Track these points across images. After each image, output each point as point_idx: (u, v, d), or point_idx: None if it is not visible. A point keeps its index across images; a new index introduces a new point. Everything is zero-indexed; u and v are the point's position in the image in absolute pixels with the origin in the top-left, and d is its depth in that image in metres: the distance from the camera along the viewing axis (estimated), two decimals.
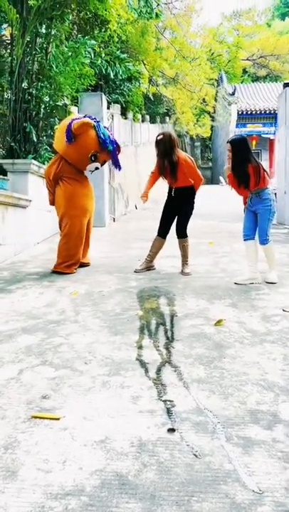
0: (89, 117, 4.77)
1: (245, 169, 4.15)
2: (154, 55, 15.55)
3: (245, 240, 4.42)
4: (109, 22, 8.73)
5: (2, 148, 7.63)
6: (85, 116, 4.79)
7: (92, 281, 4.52)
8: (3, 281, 4.54)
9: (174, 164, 4.57)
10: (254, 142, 24.55)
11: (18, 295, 4.03)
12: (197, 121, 21.68)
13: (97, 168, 4.93)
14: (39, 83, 7.16)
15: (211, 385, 2.32)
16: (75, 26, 9.52)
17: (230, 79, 30.19)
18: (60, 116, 7.54)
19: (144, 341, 2.92)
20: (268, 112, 25.10)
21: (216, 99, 23.69)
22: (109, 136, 4.77)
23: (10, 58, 7.25)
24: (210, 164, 34.31)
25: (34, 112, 7.24)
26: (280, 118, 9.78)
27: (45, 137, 7.56)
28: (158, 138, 4.63)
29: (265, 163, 22.66)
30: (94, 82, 8.53)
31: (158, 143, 4.60)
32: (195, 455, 1.75)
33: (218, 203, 13.30)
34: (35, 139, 7.07)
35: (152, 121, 19.27)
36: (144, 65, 15.54)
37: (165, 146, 4.57)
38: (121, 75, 10.96)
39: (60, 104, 7.68)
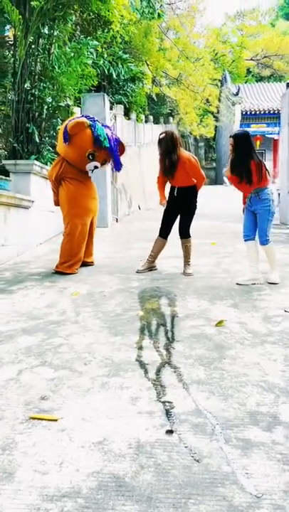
0: (85, 117, 4.83)
1: (247, 164, 4.11)
2: (157, 56, 15.55)
3: (245, 240, 4.40)
4: (112, 23, 8.72)
5: (5, 149, 7.63)
6: (82, 116, 4.84)
7: (93, 281, 4.52)
8: (5, 281, 4.54)
9: (173, 163, 4.56)
10: (258, 142, 24.52)
11: (19, 296, 4.03)
12: (201, 121, 21.64)
13: (96, 167, 4.94)
14: (42, 84, 7.16)
15: (211, 386, 2.30)
16: (77, 27, 9.52)
17: (234, 79, 30.15)
18: (62, 117, 7.54)
19: (144, 342, 2.91)
20: (272, 112, 25.05)
21: (219, 100, 23.64)
22: (106, 135, 4.76)
23: (13, 59, 7.26)
24: (214, 165, 34.25)
25: (37, 113, 7.24)
26: (283, 118, 9.74)
27: (47, 138, 7.56)
28: (160, 136, 4.64)
29: (269, 164, 22.59)
30: (96, 82, 8.52)
31: (160, 141, 4.61)
32: (194, 458, 1.73)
33: (222, 204, 13.29)
34: (37, 140, 7.07)
35: (156, 121, 19.27)
36: (148, 65, 15.54)
37: (167, 145, 4.57)
38: (123, 76, 10.96)
39: (63, 105, 7.68)
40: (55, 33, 7.46)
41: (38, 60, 7.33)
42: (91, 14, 8.65)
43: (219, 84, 25.12)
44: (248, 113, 25.51)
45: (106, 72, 10.23)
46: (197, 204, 4.91)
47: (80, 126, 4.65)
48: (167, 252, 5.08)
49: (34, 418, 2.02)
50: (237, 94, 25.81)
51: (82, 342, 2.92)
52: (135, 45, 13.62)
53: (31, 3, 6.48)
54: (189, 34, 19.39)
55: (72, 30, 8.55)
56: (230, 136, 4.28)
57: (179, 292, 4.05)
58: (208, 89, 19.28)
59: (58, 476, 1.64)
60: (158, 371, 2.48)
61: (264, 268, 4.50)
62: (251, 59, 31.69)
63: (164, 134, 4.65)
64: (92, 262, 5.28)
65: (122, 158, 5.15)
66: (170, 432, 1.90)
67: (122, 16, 9.06)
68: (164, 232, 4.90)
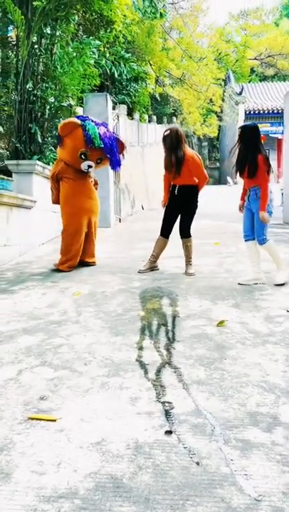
0: (77, 117, 4.91)
1: (254, 157, 4.02)
2: (160, 56, 15.54)
3: (245, 240, 4.34)
4: (115, 22, 8.73)
5: (7, 149, 7.66)
6: (77, 117, 4.91)
7: (95, 281, 4.51)
8: (7, 281, 4.55)
9: (180, 159, 4.55)
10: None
11: (20, 296, 4.03)
12: (204, 121, 21.60)
13: (90, 167, 4.95)
14: (44, 84, 7.18)
15: (211, 386, 2.29)
16: (80, 27, 9.54)
17: (237, 78, 30.10)
18: (65, 117, 7.55)
19: (144, 342, 2.89)
20: (275, 111, 24.98)
21: (223, 99, 23.58)
22: (99, 133, 4.76)
23: (15, 59, 7.28)
24: (217, 164, 34.19)
25: (39, 113, 7.26)
26: (286, 117, 9.68)
27: (50, 138, 7.57)
28: (165, 133, 4.63)
29: (273, 163, 22.50)
30: (99, 82, 8.54)
31: (165, 138, 4.60)
32: (193, 461, 1.72)
33: (225, 203, 13.24)
34: (40, 140, 7.08)
35: (159, 121, 19.26)
36: (151, 65, 15.53)
37: (172, 141, 4.56)
38: (126, 75, 10.95)
39: (65, 105, 7.70)
40: (58, 33, 7.48)
41: (41, 60, 7.35)
42: (93, 14, 8.66)
43: (223, 83, 25.01)
44: (252, 112, 25.45)
45: (108, 71, 10.23)
46: (198, 204, 4.89)
47: (69, 126, 4.73)
48: (169, 252, 5.06)
49: (33, 418, 2.01)
50: (240, 93, 25.76)
51: (83, 342, 2.91)
52: (138, 44, 13.62)
53: (33, 3, 6.50)
54: (192, 34, 19.36)
55: (75, 30, 8.56)
56: (239, 128, 4.24)
57: (181, 292, 4.03)
58: (212, 88, 19.23)
59: (56, 476, 1.63)
60: (158, 371, 2.46)
61: (268, 268, 4.46)
62: (255, 58, 31.60)
63: (168, 131, 4.64)
64: (94, 262, 5.28)
65: (124, 157, 5.14)
66: (169, 432, 1.89)
67: (124, 15, 9.07)
68: (165, 231, 4.88)
